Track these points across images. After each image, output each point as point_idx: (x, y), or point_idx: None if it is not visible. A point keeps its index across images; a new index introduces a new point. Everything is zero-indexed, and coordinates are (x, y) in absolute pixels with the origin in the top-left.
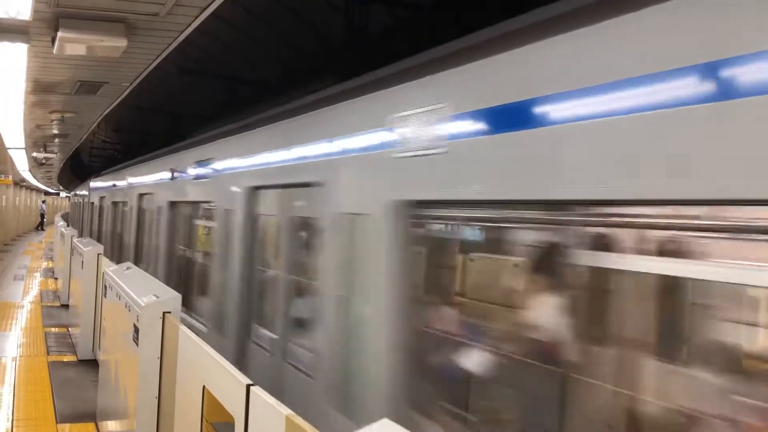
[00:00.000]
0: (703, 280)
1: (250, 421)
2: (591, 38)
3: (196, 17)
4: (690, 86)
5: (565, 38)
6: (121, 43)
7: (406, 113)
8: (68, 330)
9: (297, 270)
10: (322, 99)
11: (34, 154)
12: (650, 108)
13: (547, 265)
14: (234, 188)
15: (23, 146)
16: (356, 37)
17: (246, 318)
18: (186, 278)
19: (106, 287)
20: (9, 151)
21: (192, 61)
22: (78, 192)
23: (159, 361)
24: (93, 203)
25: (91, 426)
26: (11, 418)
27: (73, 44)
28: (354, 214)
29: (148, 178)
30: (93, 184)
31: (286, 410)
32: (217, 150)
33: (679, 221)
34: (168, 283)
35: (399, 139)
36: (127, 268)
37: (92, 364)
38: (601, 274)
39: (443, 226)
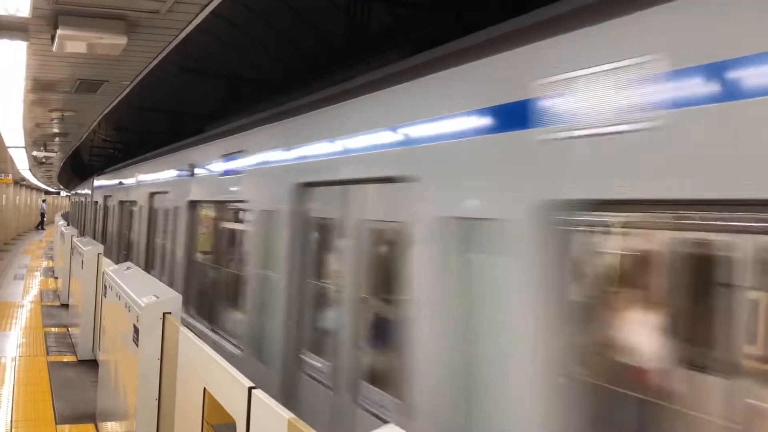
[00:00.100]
0: None
1: (252, 424)
2: None
3: (197, 15)
4: None
5: None
6: (121, 40)
7: (569, 74)
8: (68, 330)
9: (371, 289)
10: (411, 68)
11: (34, 153)
12: None
13: None
14: (276, 185)
15: (23, 145)
16: None
17: (296, 343)
18: (210, 290)
19: (106, 287)
20: (9, 149)
21: (193, 59)
22: (79, 191)
23: (159, 362)
24: (97, 202)
25: (90, 427)
26: (10, 419)
27: (73, 42)
28: (473, 218)
29: (161, 175)
30: (97, 182)
31: (288, 414)
32: (251, 140)
33: None
34: (187, 294)
35: (555, 111)
36: (127, 268)
37: (92, 364)
38: None
39: (654, 240)
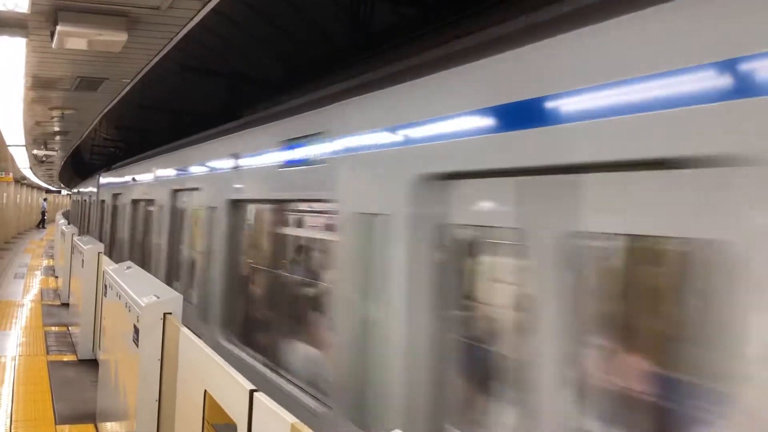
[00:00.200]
0: None
1: (254, 427)
2: None
3: (198, 11)
4: None
5: None
6: (122, 37)
7: None
8: (68, 329)
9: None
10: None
11: (35, 152)
12: None
13: None
14: (383, 179)
15: (23, 143)
16: None
17: (436, 411)
18: (264, 315)
19: (106, 286)
20: (9, 148)
21: (195, 57)
22: (82, 189)
23: (159, 362)
24: (103, 201)
25: (90, 427)
26: (10, 419)
27: (73, 38)
28: None
29: (188, 170)
30: (104, 179)
31: (291, 418)
32: (337, 117)
33: None
34: (229, 318)
35: None
36: (128, 268)
37: (92, 363)
38: None
39: None
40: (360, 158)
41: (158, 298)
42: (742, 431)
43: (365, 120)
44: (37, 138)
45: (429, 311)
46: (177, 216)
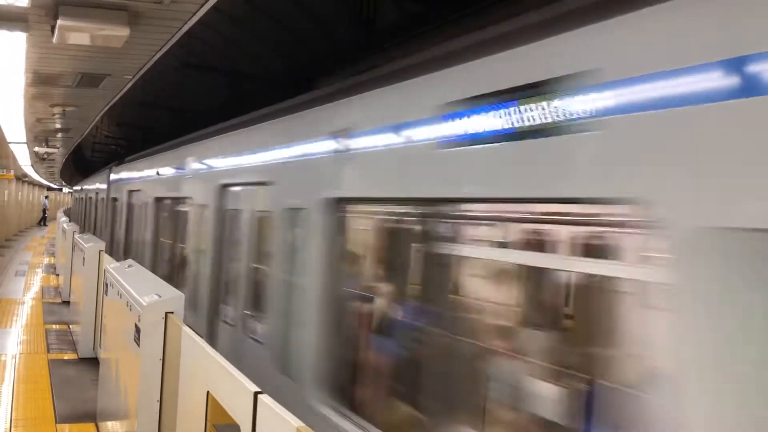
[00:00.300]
0: None
1: (258, 431)
2: None
3: (201, 5)
4: None
5: None
6: (124, 32)
7: None
8: (69, 327)
9: None
10: None
11: (36, 149)
12: None
13: None
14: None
15: (24, 140)
16: None
17: None
18: (415, 383)
19: (107, 285)
20: (10, 145)
21: (197, 54)
22: (87, 185)
23: (161, 362)
24: (115, 200)
25: (91, 426)
26: (10, 418)
27: (74, 33)
28: None
29: (249, 157)
30: (115, 174)
31: (297, 422)
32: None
33: None
34: (335, 377)
35: None
36: (129, 266)
37: (93, 362)
38: None
39: None
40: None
41: (160, 297)
42: None
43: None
44: (38, 135)
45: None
46: (228, 219)
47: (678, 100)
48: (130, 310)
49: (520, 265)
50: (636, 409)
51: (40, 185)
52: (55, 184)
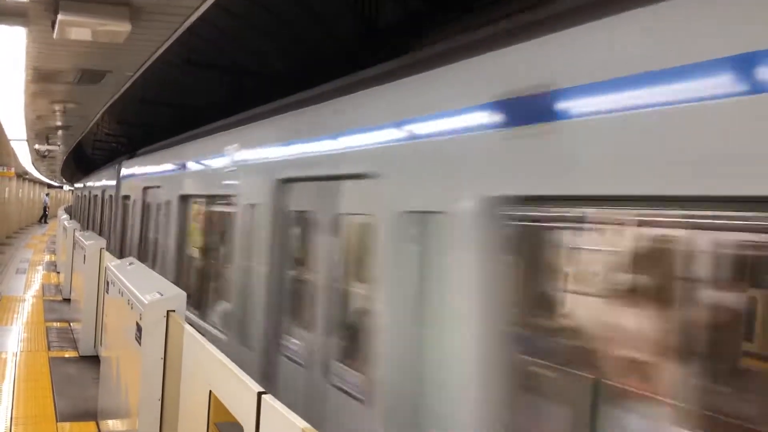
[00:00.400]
0: None
1: (262, 431)
2: None
3: (204, 1)
4: None
5: None
6: (125, 27)
7: None
8: (70, 325)
9: None
10: None
11: (37, 146)
12: None
13: None
14: None
15: (25, 138)
16: None
17: None
18: None
19: (108, 283)
20: (11, 143)
21: (199, 51)
22: (90, 182)
23: (162, 361)
24: (127, 198)
25: (92, 425)
26: (10, 416)
27: (75, 28)
28: None
29: (328, 144)
30: (127, 169)
31: (302, 422)
32: None
33: None
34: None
35: None
36: (130, 264)
37: (94, 360)
38: None
39: None
40: None
41: (161, 295)
42: None
43: None
44: (39, 132)
45: None
46: (291, 224)
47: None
48: (132, 308)
49: None
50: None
51: (41, 183)
52: (55, 182)
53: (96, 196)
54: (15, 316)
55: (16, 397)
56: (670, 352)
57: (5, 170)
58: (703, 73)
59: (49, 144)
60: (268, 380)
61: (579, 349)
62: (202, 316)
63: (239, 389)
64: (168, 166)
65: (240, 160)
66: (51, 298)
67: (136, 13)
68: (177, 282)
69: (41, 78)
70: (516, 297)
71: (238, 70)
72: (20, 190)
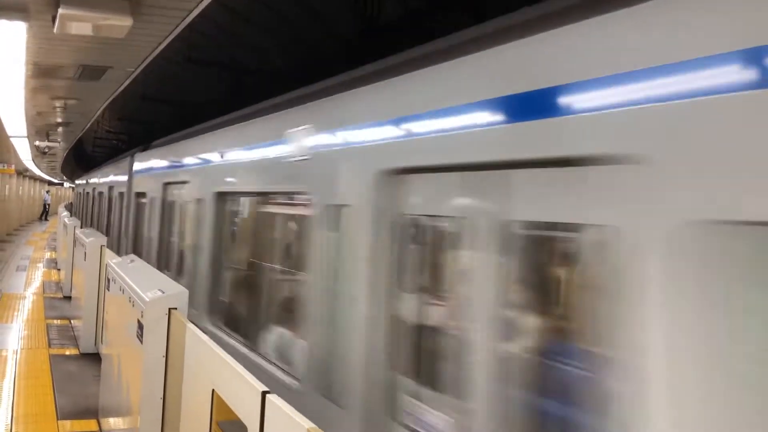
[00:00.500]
0: None
1: (266, 431)
2: None
3: None
4: None
5: None
6: (126, 22)
7: None
8: (70, 322)
9: None
10: None
11: (37, 143)
12: None
13: None
14: None
15: (25, 134)
16: None
17: None
18: None
19: (109, 280)
20: (11, 139)
21: (201, 48)
22: (93, 179)
23: (164, 359)
24: (142, 195)
25: (93, 423)
26: (11, 414)
27: (75, 23)
28: None
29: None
30: (141, 163)
31: (307, 423)
32: None
33: None
34: None
35: None
36: (131, 261)
37: (95, 357)
38: None
39: None
40: None
41: (163, 293)
42: None
43: None
44: (39, 129)
45: None
46: (404, 233)
47: None
48: (133, 305)
49: None
50: None
51: (41, 180)
52: (56, 179)
53: (101, 193)
54: (15, 313)
55: (17, 395)
56: None
57: (5, 167)
58: None
59: (49, 141)
60: None
61: None
62: (260, 351)
63: (243, 388)
64: (199, 158)
65: (311, 147)
66: (51, 296)
67: (136, 7)
68: (217, 299)
69: (41, 73)
70: None
71: (243, 67)
72: (20, 188)
